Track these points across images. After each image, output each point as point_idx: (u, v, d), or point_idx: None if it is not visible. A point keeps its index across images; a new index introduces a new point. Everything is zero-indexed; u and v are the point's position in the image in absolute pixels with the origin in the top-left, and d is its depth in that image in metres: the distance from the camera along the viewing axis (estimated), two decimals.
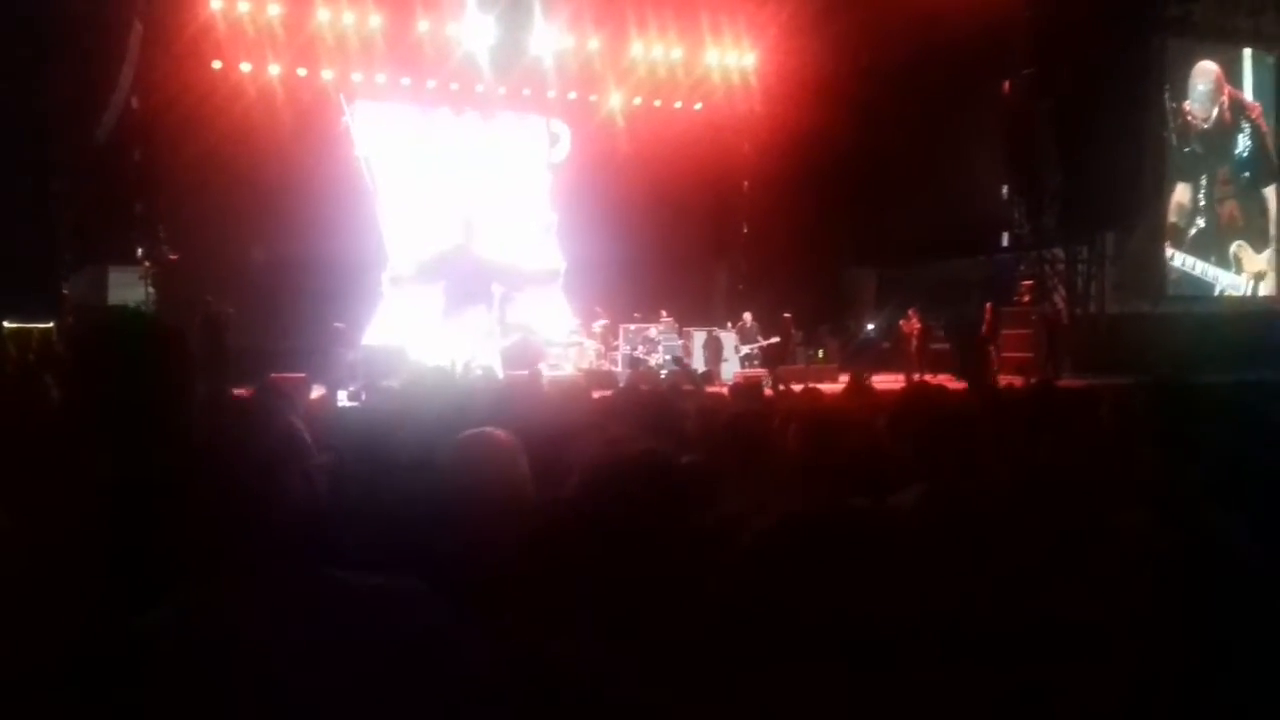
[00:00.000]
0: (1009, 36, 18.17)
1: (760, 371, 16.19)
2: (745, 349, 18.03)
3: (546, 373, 13.35)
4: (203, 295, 14.45)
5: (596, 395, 6.08)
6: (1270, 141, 20.83)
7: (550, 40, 18.88)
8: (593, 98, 19.85)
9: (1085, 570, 1.95)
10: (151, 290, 16.02)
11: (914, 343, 17.38)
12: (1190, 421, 2.77)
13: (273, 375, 8.95)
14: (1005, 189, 19.69)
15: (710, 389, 10.48)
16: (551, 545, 1.86)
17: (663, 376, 13.72)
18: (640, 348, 17.04)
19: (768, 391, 9.14)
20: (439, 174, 18.60)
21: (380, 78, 18.29)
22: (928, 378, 12.50)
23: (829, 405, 4.74)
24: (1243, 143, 20.69)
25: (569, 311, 18.63)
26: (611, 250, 18.20)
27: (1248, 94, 20.68)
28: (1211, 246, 20.29)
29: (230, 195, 15.94)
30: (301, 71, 17.62)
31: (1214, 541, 1.86)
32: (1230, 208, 20.53)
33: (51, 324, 13.94)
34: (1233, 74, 20.42)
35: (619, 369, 16.43)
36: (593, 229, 18.60)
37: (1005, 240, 19.88)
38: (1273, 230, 20.97)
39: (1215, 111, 20.25)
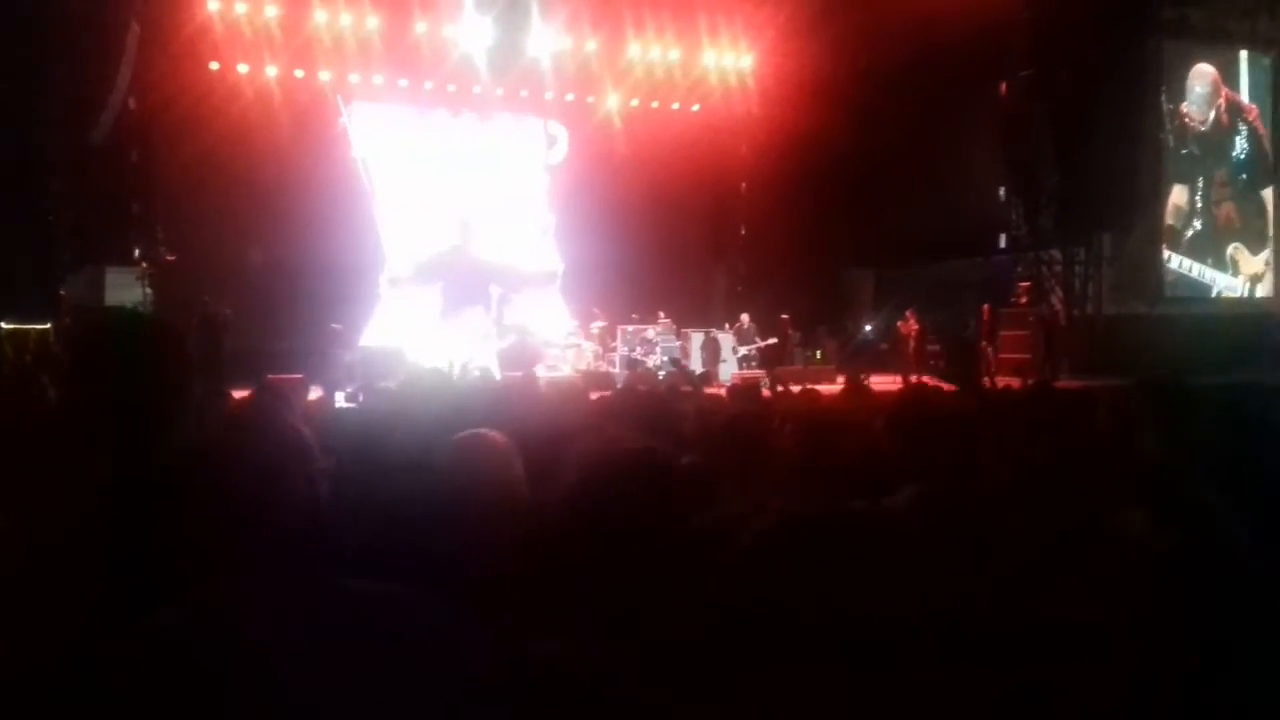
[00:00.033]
0: (1006, 38, 18.20)
1: (758, 373, 16.19)
2: (743, 350, 18.02)
3: (544, 374, 13.34)
4: (200, 296, 14.42)
5: (594, 396, 6.07)
6: (1267, 143, 20.86)
7: (548, 41, 18.88)
8: (590, 99, 19.85)
9: (1085, 570, 1.95)
10: (149, 291, 16.00)
11: (911, 344, 17.37)
12: (1187, 422, 2.78)
13: (270, 376, 8.95)
14: (1003, 190, 19.72)
15: (708, 390, 10.46)
16: (550, 545, 1.85)
17: (660, 378, 13.69)
18: (638, 349, 17.04)
19: (765, 393, 9.16)
20: (436, 175, 18.59)
21: (377, 79, 18.28)
22: (925, 379, 12.51)
23: (827, 406, 4.75)
24: (1240, 145, 20.73)
25: (567, 313, 18.62)
26: (609, 251, 18.21)
27: (1244, 96, 20.72)
28: (1208, 248, 20.32)
29: (228, 196, 15.94)
30: (299, 73, 17.61)
31: (1213, 541, 1.86)
32: (1227, 210, 20.56)
33: (49, 325, 13.90)
34: (1229, 76, 20.46)
35: (617, 370, 16.43)
36: (590, 230, 18.60)
37: (1003, 241, 19.90)
38: (1269, 232, 21.00)
39: (1213, 114, 20.28)
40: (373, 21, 17.73)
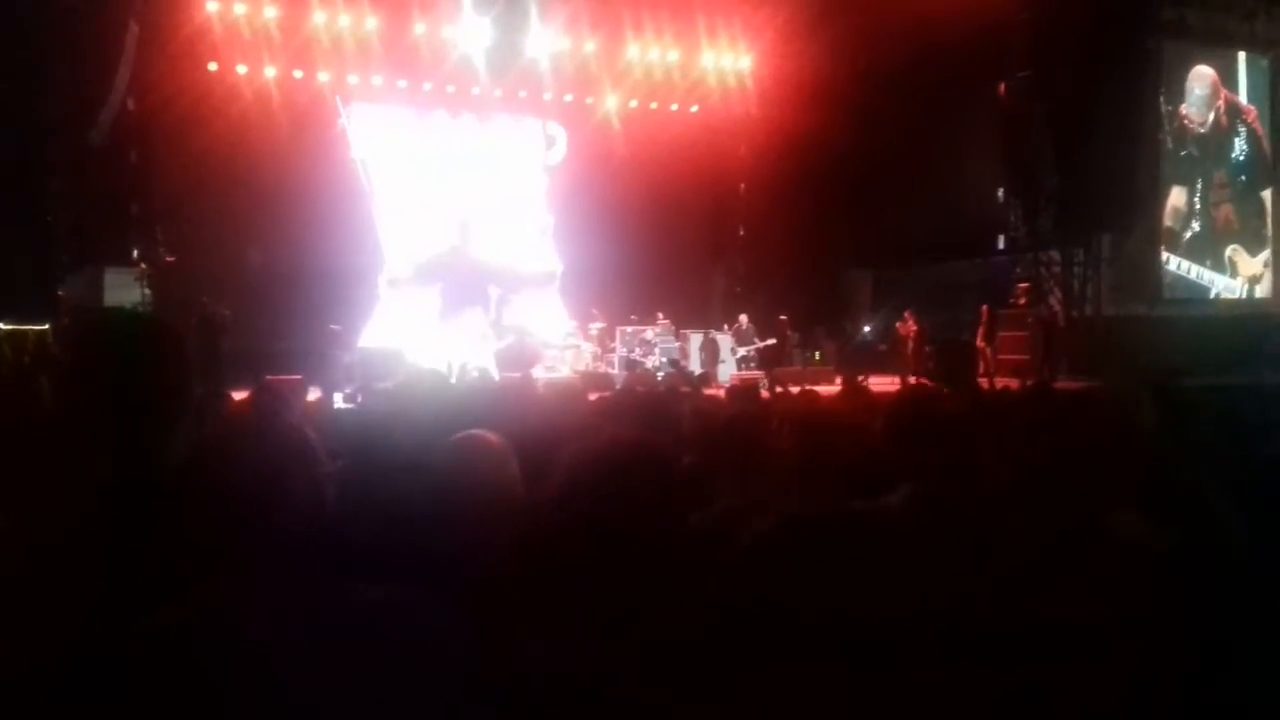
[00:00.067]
0: (1005, 39, 18.22)
1: (757, 373, 16.20)
2: (742, 351, 18.03)
3: (543, 375, 13.34)
4: (199, 297, 14.40)
5: (593, 397, 6.06)
6: (1266, 145, 20.88)
7: (546, 42, 18.87)
8: (589, 100, 19.84)
9: (1084, 570, 1.95)
10: (147, 291, 16.00)
11: (910, 345, 17.38)
12: (1187, 423, 2.78)
13: (269, 377, 8.96)
14: (1001, 191, 19.74)
15: (707, 391, 10.46)
16: (548, 545, 1.85)
17: (659, 379, 13.70)
18: (637, 350, 17.03)
19: (764, 393, 9.16)
20: (435, 176, 18.57)
21: (376, 80, 18.27)
22: (923, 380, 12.52)
23: (825, 407, 4.74)
24: (1239, 146, 20.74)
25: (565, 314, 18.62)
26: (608, 252, 18.21)
27: (1242, 97, 20.73)
28: (1207, 250, 20.32)
29: (226, 197, 15.93)
30: (298, 73, 17.60)
31: (1212, 541, 1.86)
32: (1226, 211, 20.57)
33: (47, 325, 13.90)
34: (1228, 77, 20.47)
35: (615, 371, 16.43)
36: (589, 231, 18.60)
37: (1001, 243, 19.92)
38: (1268, 233, 21.02)
39: (1212, 115, 20.29)
40: (371, 22, 17.72)
